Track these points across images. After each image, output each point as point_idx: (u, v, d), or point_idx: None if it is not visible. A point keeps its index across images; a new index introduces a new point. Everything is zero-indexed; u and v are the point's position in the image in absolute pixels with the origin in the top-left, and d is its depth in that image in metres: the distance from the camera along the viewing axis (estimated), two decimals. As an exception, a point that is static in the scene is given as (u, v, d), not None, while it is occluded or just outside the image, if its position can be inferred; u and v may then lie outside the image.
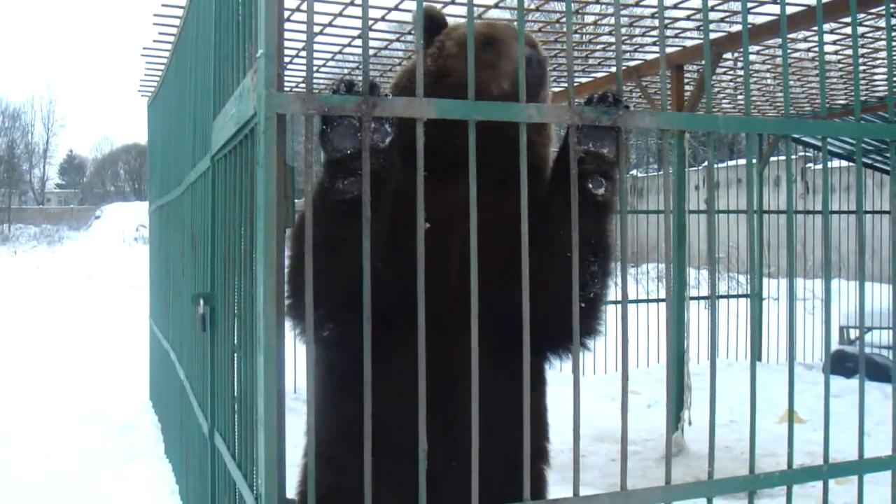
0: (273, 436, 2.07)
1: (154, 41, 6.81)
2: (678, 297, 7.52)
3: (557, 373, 3.00)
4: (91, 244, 49.31)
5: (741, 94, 9.73)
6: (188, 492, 4.91)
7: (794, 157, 19.16)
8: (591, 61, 8.37)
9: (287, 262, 2.43)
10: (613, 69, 8.46)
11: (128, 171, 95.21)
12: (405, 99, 2.22)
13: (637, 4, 6.38)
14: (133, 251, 42.13)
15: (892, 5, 3.50)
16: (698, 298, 11.33)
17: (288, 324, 2.55)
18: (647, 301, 11.86)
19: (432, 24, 3.01)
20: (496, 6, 6.66)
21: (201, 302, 3.40)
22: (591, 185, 2.48)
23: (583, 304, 2.55)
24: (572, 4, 2.36)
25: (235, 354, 2.87)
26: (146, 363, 9.39)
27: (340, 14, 6.53)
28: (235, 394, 2.90)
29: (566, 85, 2.63)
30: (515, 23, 2.59)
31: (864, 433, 2.83)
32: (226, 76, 3.11)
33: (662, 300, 11.63)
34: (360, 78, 2.18)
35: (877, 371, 9.85)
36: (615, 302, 2.57)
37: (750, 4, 6.31)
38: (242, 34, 2.75)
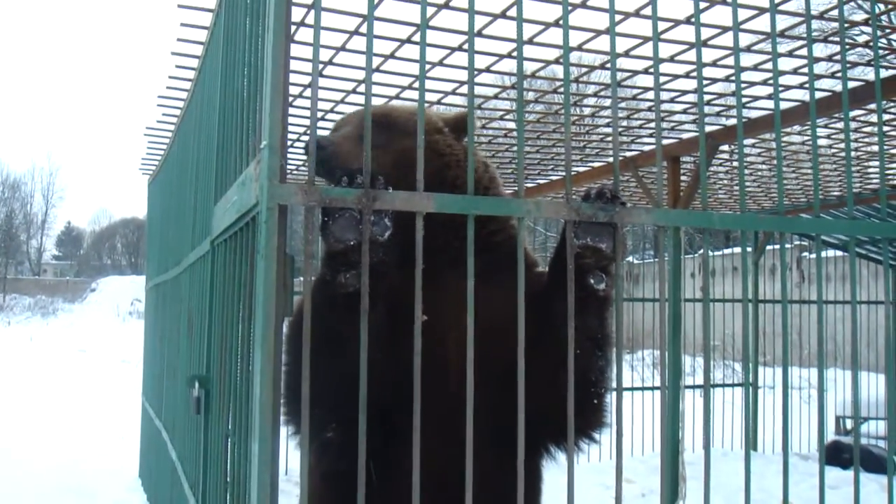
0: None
1: (157, 121, 6.91)
2: (673, 386, 7.50)
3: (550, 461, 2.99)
4: (85, 317, 49.16)
5: (737, 184, 9.83)
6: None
7: (788, 246, 19.16)
8: (587, 151, 8.47)
9: (284, 367, 2.41)
10: (610, 159, 8.56)
11: (125, 244, 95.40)
12: (406, 193, 2.24)
13: (634, 98, 6.49)
14: (127, 325, 42.00)
15: (882, 102, 3.56)
16: (693, 387, 11.28)
17: (290, 430, 2.54)
18: (643, 389, 11.82)
19: None
20: (495, 97, 6.78)
21: (196, 384, 3.40)
22: (592, 281, 2.49)
23: (595, 401, 2.57)
24: (570, 97, 2.41)
25: (229, 439, 2.86)
26: (136, 439, 9.33)
27: (342, 101, 6.63)
28: (228, 478, 2.88)
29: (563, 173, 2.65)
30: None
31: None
32: (228, 163, 3.15)
33: (657, 388, 11.59)
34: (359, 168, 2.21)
35: (873, 462, 9.78)
36: (614, 389, 2.60)
37: (745, 100, 6.42)
38: (246, 123, 2.80)
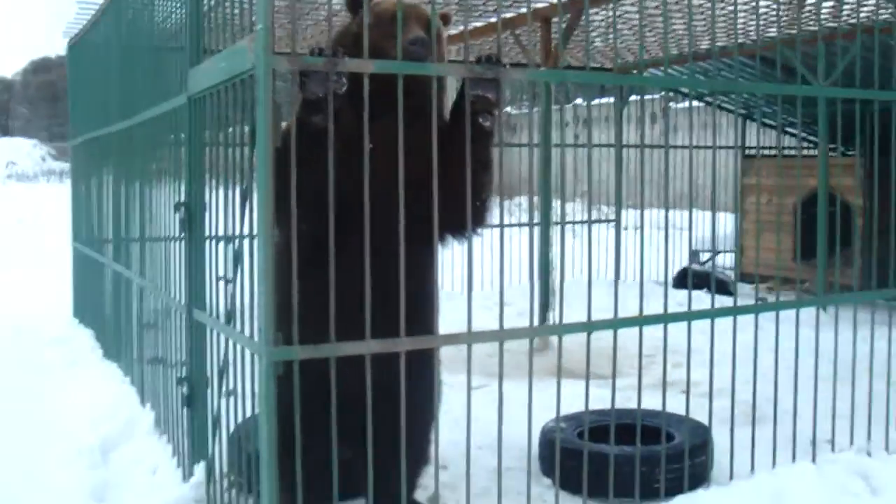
0: (270, 281, 3.14)
1: (86, -7, 7.64)
2: (544, 220, 8.84)
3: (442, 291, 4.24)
4: (-42, 181, 48.12)
5: (612, 38, 10.92)
6: (143, 377, 5.86)
7: (653, 97, 20.48)
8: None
9: None
10: (492, 19, 9.58)
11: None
12: (357, 60, 3.30)
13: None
14: (9, 188, 41.51)
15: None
16: (562, 224, 12.58)
17: None
18: (520, 225, 13.15)
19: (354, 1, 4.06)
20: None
21: (182, 209, 4.41)
22: (481, 120, 3.63)
23: (478, 203, 3.73)
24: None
25: (223, 242, 3.89)
26: (58, 287, 10.26)
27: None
28: (222, 274, 3.91)
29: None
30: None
31: (667, 295, 4.10)
32: (208, 34, 4.14)
33: (534, 224, 12.88)
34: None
35: (718, 286, 11.38)
36: (496, 226, 3.79)
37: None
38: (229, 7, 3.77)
